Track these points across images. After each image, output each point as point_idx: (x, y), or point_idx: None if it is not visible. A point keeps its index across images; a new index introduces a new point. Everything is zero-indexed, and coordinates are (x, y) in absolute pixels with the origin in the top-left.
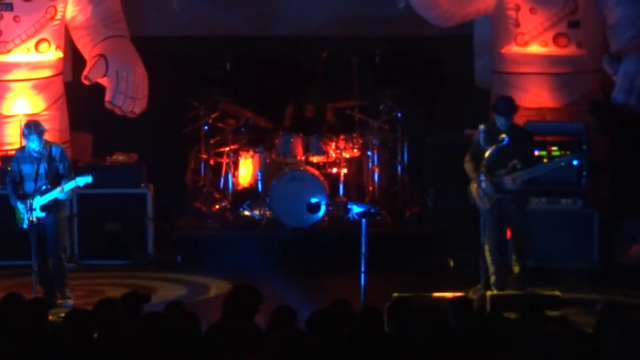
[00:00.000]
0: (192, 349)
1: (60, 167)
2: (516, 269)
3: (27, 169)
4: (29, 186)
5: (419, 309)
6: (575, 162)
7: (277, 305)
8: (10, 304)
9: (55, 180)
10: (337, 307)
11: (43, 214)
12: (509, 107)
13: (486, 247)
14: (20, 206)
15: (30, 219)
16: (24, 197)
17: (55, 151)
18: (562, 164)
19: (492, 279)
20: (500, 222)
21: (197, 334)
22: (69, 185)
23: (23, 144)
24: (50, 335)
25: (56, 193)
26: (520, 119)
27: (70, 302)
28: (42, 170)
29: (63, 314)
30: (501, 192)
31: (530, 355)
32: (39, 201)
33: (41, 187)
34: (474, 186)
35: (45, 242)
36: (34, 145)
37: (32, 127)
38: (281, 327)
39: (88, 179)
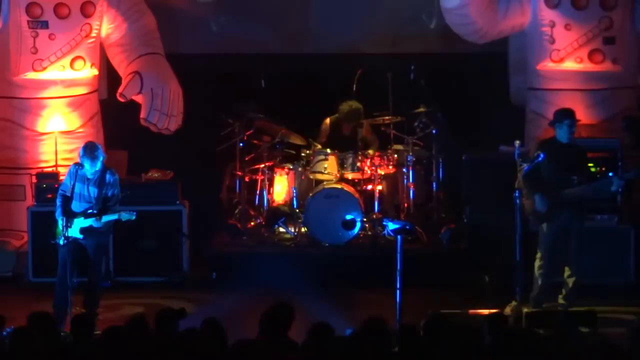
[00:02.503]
0: None
1: (110, 193)
2: (570, 282)
3: (79, 188)
4: (76, 206)
5: (454, 326)
6: (613, 189)
7: (313, 322)
8: (37, 322)
9: (103, 205)
10: (371, 325)
11: (80, 237)
12: (572, 113)
13: (537, 263)
14: (61, 223)
15: (65, 235)
16: (69, 214)
17: (109, 178)
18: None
19: (534, 294)
20: (555, 238)
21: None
22: (108, 217)
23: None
24: (89, 350)
25: (91, 221)
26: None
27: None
28: (93, 193)
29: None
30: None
31: None
32: (79, 223)
33: (87, 210)
34: (528, 202)
35: (77, 264)
36: (92, 168)
37: (94, 149)
38: (318, 344)
39: (132, 216)
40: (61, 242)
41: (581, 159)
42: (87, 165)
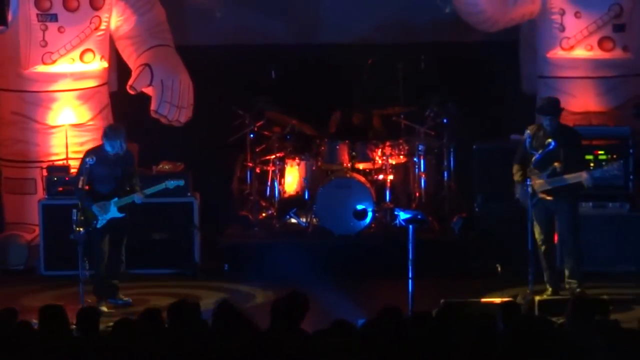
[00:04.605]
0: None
1: (131, 168)
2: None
3: (103, 171)
4: (104, 188)
5: (467, 315)
6: (586, 184)
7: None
8: (51, 315)
9: (129, 183)
10: (387, 315)
11: (121, 215)
12: (553, 107)
13: (538, 249)
14: (95, 208)
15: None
16: (100, 198)
17: (129, 155)
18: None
19: (546, 278)
20: (545, 223)
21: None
22: (154, 189)
23: (97, 146)
24: (99, 343)
25: (135, 197)
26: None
27: (129, 299)
28: (119, 173)
29: (111, 323)
30: (536, 195)
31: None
32: (117, 203)
33: (119, 189)
34: (517, 190)
35: (111, 243)
36: (118, 148)
37: (118, 130)
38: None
39: (179, 182)
40: (99, 226)
41: (567, 146)
42: (122, 145)
